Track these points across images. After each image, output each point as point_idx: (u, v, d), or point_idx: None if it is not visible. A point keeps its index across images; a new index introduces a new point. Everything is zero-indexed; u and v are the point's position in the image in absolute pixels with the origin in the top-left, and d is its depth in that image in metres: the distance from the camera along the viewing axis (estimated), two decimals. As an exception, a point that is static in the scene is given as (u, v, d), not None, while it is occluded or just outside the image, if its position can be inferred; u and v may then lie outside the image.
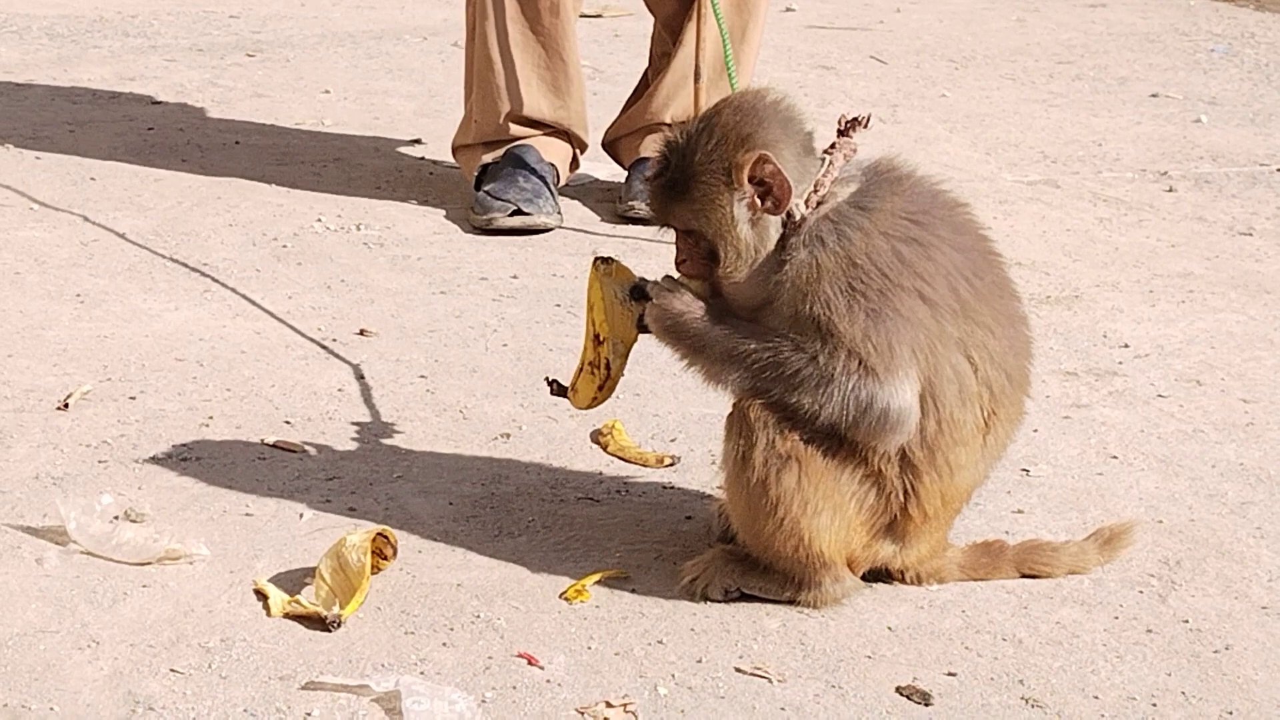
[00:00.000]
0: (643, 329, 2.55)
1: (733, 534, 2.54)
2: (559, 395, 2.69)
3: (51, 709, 2.20)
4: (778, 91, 2.46)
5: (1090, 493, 2.90)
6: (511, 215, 4.12)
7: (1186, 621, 2.50)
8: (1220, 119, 5.44)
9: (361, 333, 3.50)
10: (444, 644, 2.38)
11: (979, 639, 2.44)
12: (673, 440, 3.05)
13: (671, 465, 2.94)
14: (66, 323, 3.50)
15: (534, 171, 4.19)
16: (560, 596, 2.51)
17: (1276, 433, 3.16)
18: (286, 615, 2.44)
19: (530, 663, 2.35)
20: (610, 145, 4.49)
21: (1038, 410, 3.16)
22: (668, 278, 2.50)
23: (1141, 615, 2.52)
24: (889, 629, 2.46)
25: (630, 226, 4.21)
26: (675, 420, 3.11)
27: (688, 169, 2.41)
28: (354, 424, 3.08)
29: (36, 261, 3.84)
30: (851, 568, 2.49)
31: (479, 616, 2.45)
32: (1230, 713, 2.29)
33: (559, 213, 4.20)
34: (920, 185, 2.45)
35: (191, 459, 2.91)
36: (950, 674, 2.35)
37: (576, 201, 4.41)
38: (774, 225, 2.41)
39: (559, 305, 3.68)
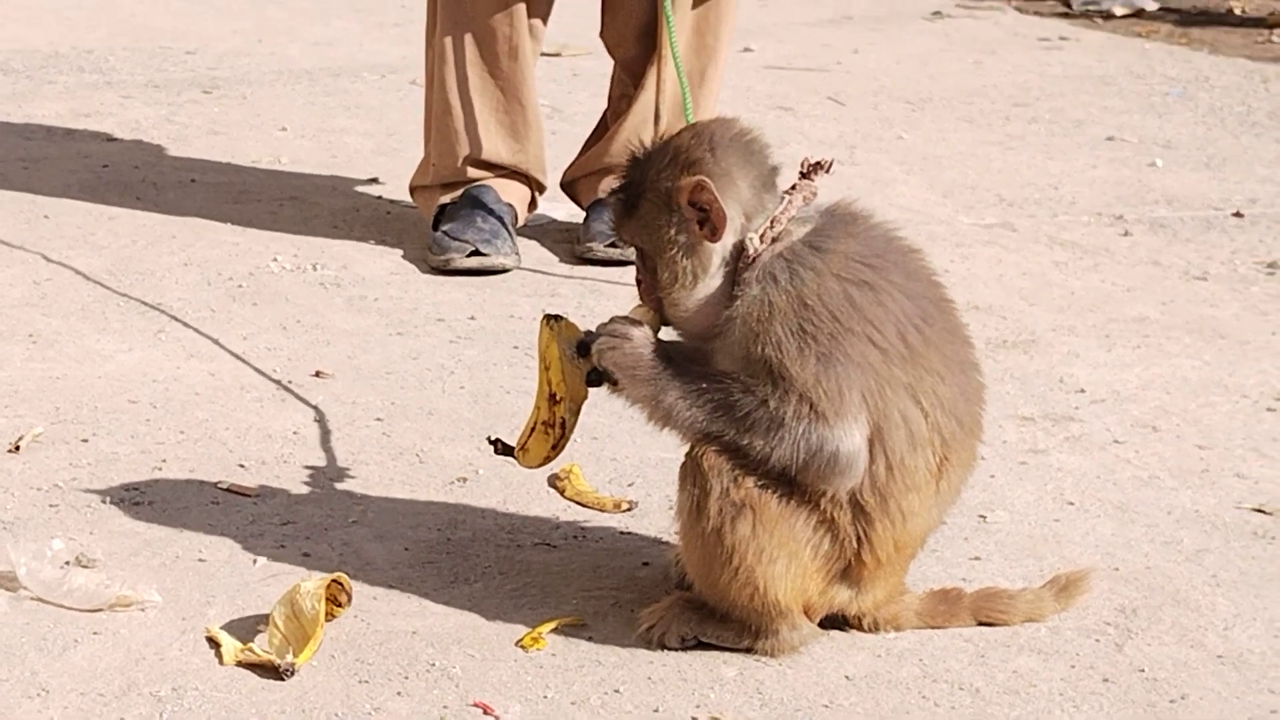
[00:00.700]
0: (593, 383, 2.54)
1: (689, 582, 2.53)
2: (504, 454, 2.67)
3: (-1, 760, 2.17)
4: (747, 124, 2.47)
5: (1047, 539, 2.90)
6: (469, 256, 4.11)
7: (1143, 671, 2.51)
8: (1175, 162, 5.47)
9: (317, 374, 3.48)
10: (398, 693, 2.36)
11: (936, 688, 2.44)
12: (630, 484, 3.04)
13: (629, 510, 2.93)
14: (18, 363, 3.47)
15: (492, 212, 4.18)
16: (516, 644, 2.49)
17: (1231, 480, 3.17)
18: (239, 663, 2.42)
19: (486, 712, 2.33)
20: (569, 186, 4.48)
21: (995, 456, 3.17)
22: (620, 317, 2.50)
23: (1098, 664, 2.52)
24: (846, 678, 2.46)
25: (588, 268, 4.21)
26: (633, 464, 3.10)
27: (640, 185, 2.45)
28: (309, 468, 3.06)
29: (-11, 300, 3.81)
30: (808, 614, 2.49)
31: (434, 665, 2.43)
32: (1187, 763, 2.29)
33: (517, 253, 4.19)
34: (876, 229, 2.47)
35: (144, 503, 2.88)
36: (907, 724, 2.35)
37: (534, 242, 4.40)
38: (715, 254, 2.43)
39: (516, 347, 3.67)
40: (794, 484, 2.39)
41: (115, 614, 2.53)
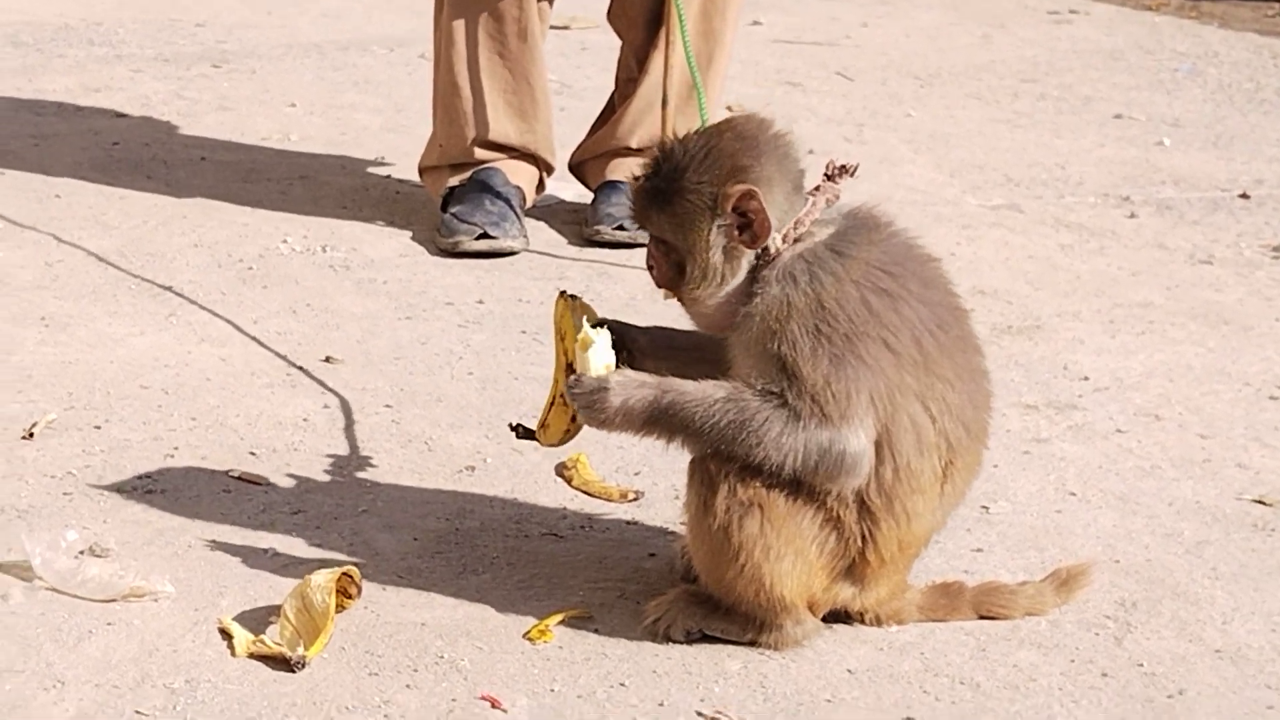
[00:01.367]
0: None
1: (695, 574, 2.56)
2: (526, 438, 2.70)
3: (15, 753, 2.21)
4: (780, 124, 2.48)
5: (1049, 531, 2.93)
6: (478, 239, 4.13)
7: (1141, 665, 2.54)
8: (1183, 141, 5.48)
9: (327, 359, 3.51)
10: (407, 685, 2.40)
11: (937, 682, 2.47)
12: (636, 474, 3.07)
13: (635, 500, 2.96)
14: (31, 347, 3.50)
15: (500, 195, 4.20)
16: (524, 637, 2.53)
17: (1232, 470, 3.19)
18: (251, 655, 2.45)
19: (493, 705, 2.36)
20: (576, 168, 4.50)
21: (998, 445, 3.19)
22: (576, 379, 2.48)
23: (1097, 659, 2.55)
24: (849, 671, 2.49)
25: (597, 250, 4.23)
26: (639, 454, 3.13)
27: (677, 182, 2.44)
28: (319, 455, 3.09)
29: (1, 283, 3.84)
30: (812, 610, 2.52)
31: (443, 657, 2.47)
32: (1183, 760, 2.32)
33: (525, 236, 4.22)
34: (896, 237, 2.50)
35: (156, 491, 2.92)
36: (909, 718, 2.38)
37: (542, 223, 4.42)
38: (747, 258, 2.45)
39: (524, 332, 3.70)
40: (800, 483, 2.42)
41: (129, 604, 2.56)
